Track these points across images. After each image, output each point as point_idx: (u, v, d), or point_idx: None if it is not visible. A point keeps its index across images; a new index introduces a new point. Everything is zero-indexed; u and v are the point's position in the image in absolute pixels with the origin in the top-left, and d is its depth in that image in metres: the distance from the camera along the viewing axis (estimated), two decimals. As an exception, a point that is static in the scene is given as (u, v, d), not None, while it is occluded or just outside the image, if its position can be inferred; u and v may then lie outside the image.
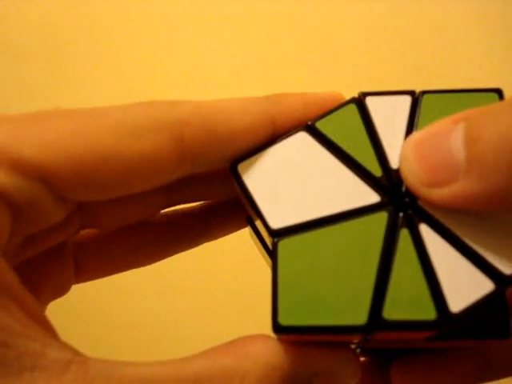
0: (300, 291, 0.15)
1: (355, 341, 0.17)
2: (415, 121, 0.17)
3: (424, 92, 0.17)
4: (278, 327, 0.15)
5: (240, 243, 0.22)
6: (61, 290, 0.20)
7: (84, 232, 0.21)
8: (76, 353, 0.14)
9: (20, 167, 0.14)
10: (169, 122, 0.16)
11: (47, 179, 0.15)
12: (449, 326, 0.15)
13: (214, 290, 0.45)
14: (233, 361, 0.15)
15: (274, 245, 0.16)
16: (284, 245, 0.16)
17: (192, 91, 0.50)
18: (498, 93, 0.17)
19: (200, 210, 0.23)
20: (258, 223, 0.18)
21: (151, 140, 0.16)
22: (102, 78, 0.52)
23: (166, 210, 0.22)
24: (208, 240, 0.23)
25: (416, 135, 0.15)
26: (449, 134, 0.14)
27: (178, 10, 0.53)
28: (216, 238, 0.23)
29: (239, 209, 0.22)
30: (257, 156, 0.17)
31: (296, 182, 0.17)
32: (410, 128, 0.17)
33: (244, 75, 0.51)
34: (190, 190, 0.21)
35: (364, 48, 0.50)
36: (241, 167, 0.17)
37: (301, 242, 0.16)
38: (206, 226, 0.22)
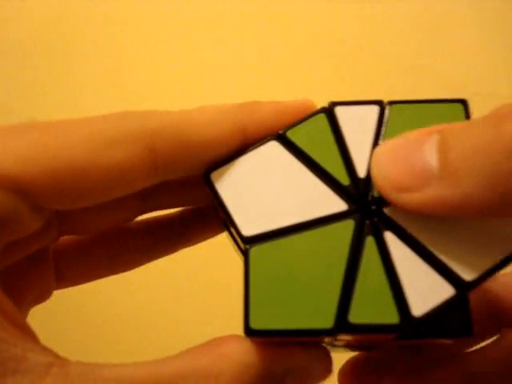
0: (270, 296, 0.16)
1: (325, 341, 0.17)
2: (382, 130, 0.18)
3: (391, 102, 0.18)
4: (249, 331, 0.16)
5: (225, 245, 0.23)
6: (42, 296, 0.21)
7: (64, 239, 0.21)
8: (56, 356, 0.15)
9: None
10: (140, 133, 0.17)
11: (24, 191, 0.15)
12: (411, 328, 0.15)
13: (202, 290, 0.46)
14: (207, 361, 0.16)
15: (246, 251, 0.16)
16: (255, 251, 0.16)
17: (189, 92, 0.50)
18: (463, 103, 0.18)
19: (177, 216, 0.23)
20: (232, 229, 0.18)
21: (123, 151, 0.16)
22: (103, 77, 0.52)
23: (144, 216, 0.22)
24: (186, 246, 0.23)
25: (389, 142, 0.16)
26: (422, 144, 0.15)
27: (178, 12, 0.54)
28: (194, 243, 0.24)
29: (215, 215, 0.22)
30: (229, 165, 0.18)
31: (267, 191, 0.17)
32: (377, 138, 0.18)
33: (241, 75, 0.51)
34: (167, 196, 0.22)
35: (362, 48, 0.50)
36: (214, 176, 0.17)
37: (271, 249, 0.16)
38: (183, 232, 0.23)
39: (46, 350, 0.15)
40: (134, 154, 0.16)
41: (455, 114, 0.18)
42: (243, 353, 0.17)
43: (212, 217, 0.23)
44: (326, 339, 0.17)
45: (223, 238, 0.23)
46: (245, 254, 0.16)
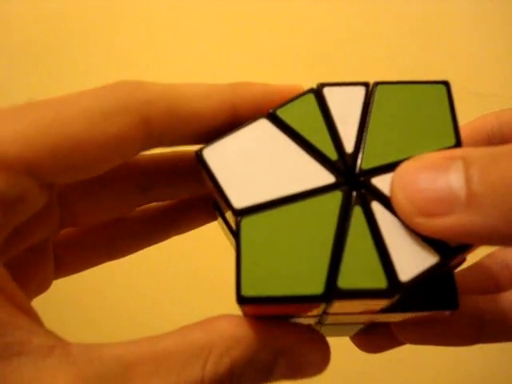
0: (262, 264, 0.16)
1: (315, 313, 0.18)
2: (369, 109, 0.18)
3: (377, 83, 0.19)
4: (241, 298, 0.16)
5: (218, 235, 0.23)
6: (42, 286, 0.21)
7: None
8: (59, 339, 0.16)
9: (7, 165, 0.16)
10: (135, 104, 0.17)
11: (32, 171, 0.16)
12: (398, 293, 0.16)
13: (198, 277, 0.46)
14: (200, 335, 0.17)
15: (238, 223, 0.17)
16: (247, 222, 0.17)
17: None
18: (446, 85, 0.19)
19: (169, 204, 0.24)
20: (223, 206, 0.19)
21: (119, 121, 0.17)
22: (103, 77, 0.53)
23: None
24: (177, 233, 0.24)
25: (411, 166, 0.16)
26: (447, 170, 0.15)
27: (179, 11, 0.55)
28: (187, 230, 0.24)
29: (206, 203, 0.23)
30: (220, 142, 0.18)
31: (258, 166, 0.18)
32: (364, 116, 0.18)
33: (241, 75, 0.52)
34: (164, 188, 0.22)
35: (361, 48, 0.51)
36: (206, 152, 0.18)
37: (262, 220, 0.17)
38: (177, 219, 0.24)
39: (49, 333, 0.16)
40: (129, 124, 0.17)
41: (438, 95, 0.19)
42: (234, 328, 0.17)
43: (205, 204, 0.23)
44: (315, 311, 0.18)
45: (216, 231, 0.24)
46: (236, 225, 0.17)
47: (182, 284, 0.48)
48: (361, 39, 0.52)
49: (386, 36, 0.51)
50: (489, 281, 0.23)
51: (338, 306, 0.17)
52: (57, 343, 0.15)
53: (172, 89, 0.18)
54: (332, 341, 0.19)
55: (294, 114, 0.18)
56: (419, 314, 0.19)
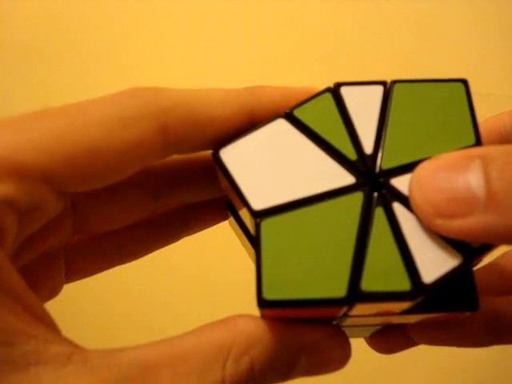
0: (283, 267, 0.16)
1: (336, 316, 0.18)
2: (387, 108, 0.18)
3: (395, 81, 0.18)
4: (262, 302, 0.16)
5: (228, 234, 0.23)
6: (54, 291, 0.21)
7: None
8: (76, 346, 0.15)
9: (24, 173, 0.15)
10: (153, 111, 0.17)
11: (49, 179, 0.16)
12: (422, 295, 0.16)
13: (207, 278, 0.46)
14: (219, 334, 0.16)
15: (257, 225, 0.17)
16: (267, 224, 0.17)
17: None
18: (464, 83, 0.18)
19: (179, 206, 0.23)
20: (240, 208, 0.18)
21: (137, 128, 0.17)
22: (104, 76, 0.53)
23: None
24: (188, 234, 0.24)
25: (429, 167, 0.16)
26: (466, 169, 0.15)
27: (180, 9, 0.54)
28: (196, 232, 0.24)
29: (217, 203, 0.23)
30: (238, 142, 0.18)
31: (276, 166, 0.17)
32: (383, 115, 0.18)
33: (240, 74, 0.52)
34: (177, 194, 0.22)
35: (361, 48, 0.51)
36: (223, 153, 0.18)
37: (282, 222, 0.17)
38: (187, 220, 0.23)
39: (66, 341, 0.16)
40: (147, 131, 0.17)
41: (456, 93, 0.18)
42: (254, 327, 0.17)
43: (215, 204, 0.23)
44: (337, 314, 0.17)
45: (224, 234, 0.24)
46: (256, 227, 0.17)
47: (190, 285, 0.48)
48: (362, 39, 0.51)
49: (387, 36, 0.51)
50: (503, 281, 0.23)
51: (360, 309, 0.17)
52: (74, 350, 0.15)
53: (189, 95, 0.18)
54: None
55: (311, 113, 0.18)
56: (439, 315, 0.18)
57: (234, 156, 0.18)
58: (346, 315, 0.18)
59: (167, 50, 0.54)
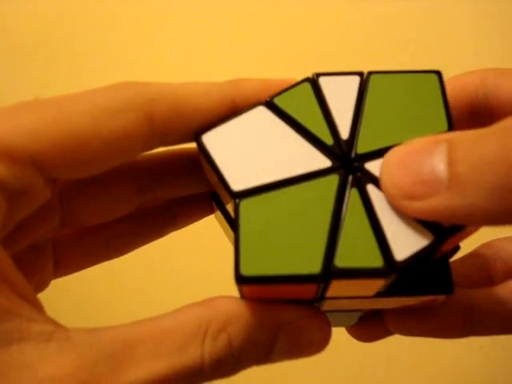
0: (260, 245, 0.17)
1: (314, 297, 0.18)
2: (363, 97, 0.19)
3: (371, 72, 0.19)
4: (239, 277, 0.16)
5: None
6: (41, 285, 0.22)
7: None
8: (58, 325, 0.16)
9: (14, 156, 0.16)
10: (139, 101, 0.18)
11: (37, 164, 0.16)
12: (394, 272, 0.16)
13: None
14: (198, 312, 0.17)
15: (236, 206, 0.17)
16: (245, 205, 0.17)
17: None
18: (438, 74, 0.19)
19: (166, 200, 0.24)
20: (222, 193, 0.19)
21: (124, 119, 0.17)
22: (103, 75, 0.53)
23: None
24: (175, 229, 0.24)
25: (399, 150, 0.17)
26: (431, 153, 0.16)
27: (180, 10, 0.55)
28: (183, 226, 0.24)
29: (203, 196, 0.23)
30: (219, 127, 0.18)
31: (255, 150, 0.18)
32: (359, 104, 0.19)
33: (239, 74, 0.52)
34: (161, 189, 0.23)
35: (361, 48, 0.51)
36: (204, 137, 0.18)
37: (260, 202, 0.17)
38: (172, 215, 0.24)
39: (49, 320, 0.16)
40: (133, 121, 0.17)
41: (430, 83, 0.19)
42: (232, 305, 0.17)
43: (201, 198, 0.23)
44: (312, 293, 0.18)
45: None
46: (235, 208, 0.17)
47: (179, 279, 0.48)
48: (361, 39, 0.52)
49: (387, 36, 0.52)
50: (481, 272, 0.24)
51: (335, 288, 0.17)
52: (56, 329, 0.16)
53: (174, 87, 0.18)
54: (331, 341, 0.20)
55: (290, 101, 0.19)
56: (415, 299, 0.19)
57: (215, 140, 0.18)
58: (323, 297, 0.18)
59: (167, 50, 0.55)
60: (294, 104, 0.19)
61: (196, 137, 0.18)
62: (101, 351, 0.16)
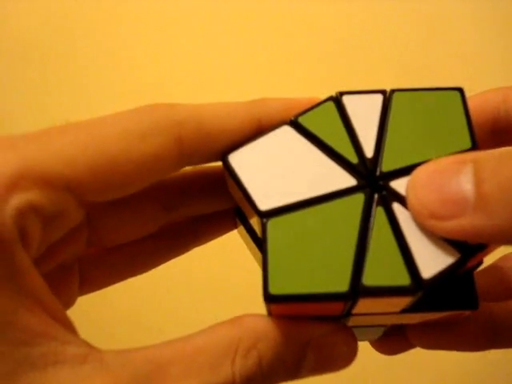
0: (288, 263, 0.17)
1: (340, 314, 0.18)
2: (387, 115, 0.19)
3: (393, 90, 0.20)
4: (268, 296, 0.16)
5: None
6: (68, 304, 0.22)
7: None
8: (91, 347, 0.16)
9: (49, 181, 0.16)
10: (169, 125, 0.18)
11: (71, 188, 0.17)
12: (421, 290, 0.16)
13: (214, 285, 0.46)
14: (228, 331, 0.17)
15: (263, 225, 0.17)
16: (273, 224, 0.17)
17: (190, 90, 0.52)
18: (460, 91, 0.19)
19: (188, 217, 0.24)
20: (249, 211, 0.19)
21: (154, 141, 0.18)
22: (103, 76, 0.53)
23: None
24: (197, 245, 0.25)
25: (424, 171, 0.17)
26: (458, 173, 0.16)
27: (181, 11, 0.55)
28: (204, 242, 0.25)
29: (225, 214, 0.24)
30: (245, 147, 0.19)
31: (281, 169, 0.18)
32: (383, 122, 0.19)
33: (240, 75, 0.52)
34: (186, 207, 0.23)
35: (361, 48, 0.51)
36: (231, 157, 0.19)
37: (288, 221, 0.17)
38: (195, 232, 0.24)
39: (83, 342, 0.16)
40: (163, 144, 0.18)
41: (453, 101, 0.19)
42: (261, 321, 0.18)
43: (223, 215, 0.24)
44: (339, 310, 0.18)
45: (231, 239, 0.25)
46: (262, 227, 0.18)
47: (196, 287, 0.48)
48: (362, 39, 0.52)
49: (387, 36, 0.52)
50: (501, 285, 0.24)
51: (362, 306, 0.17)
52: (90, 351, 0.16)
53: (201, 108, 0.19)
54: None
55: (314, 120, 0.19)
56: (439, 314, 0.19)
57: (241, 160, 0.19)
58: (349, 314, 0.18)
59: (167, 50, 0.55)
60: (318, 123, 0.19)
61: (222, 157, 0.19)
62: (134, 372, 0.16)
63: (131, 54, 0.55)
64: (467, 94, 0.20)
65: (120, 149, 0.17)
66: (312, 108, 0.19)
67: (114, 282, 0.23)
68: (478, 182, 0.15)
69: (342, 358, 0.19)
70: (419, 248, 0.17)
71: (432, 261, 0.17)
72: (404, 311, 0.18)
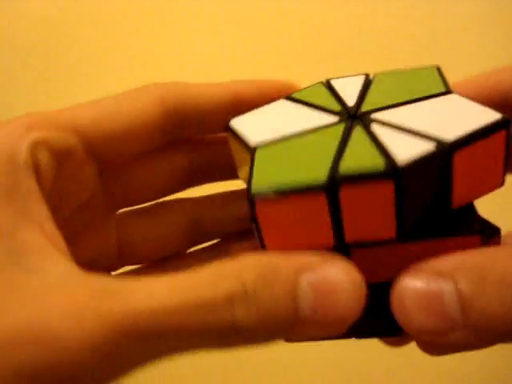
0: (271, 169, 0.18)
1: (331, 239, 0.18)
2: (369, 84, 0.22)
3: (376, 74, 0.22)
4: (251, 196, 0.17)
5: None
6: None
7: None
8: (81, 268, 0.17)
9: (60, 125, 0.20)
10: (152, 88, 0.22)
11: (79, 131, 0.20)
12: (397, 176, 0.17)
13: None
14: (228, 263, 0.17)
15: (252, 155, 0.19)
16: (260, 150, 0.19)
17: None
18: (437, 67, 0.22)
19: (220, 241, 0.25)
20: (243, 156, 0.20)
21: (139, 99, 0.21)
22: (102, 76, 0.55)
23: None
24: None
25: (408, 289, 0.17)
26: (441, 295, 0.17)
27: (177, 11, 0.56)
28: None
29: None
30: (245, 115, 0.22)
31: (273, 120, 0.21)
32: (365, 89, 0.22)
33: (240, 75, 0.53)
34: (211, 223, 0.25)
35: (362, 48, 0.52)
36: (233, 121, 0.21)
37: (274, 147, 0.19)
38: (224, 251, 0.25)
39: (73, 264, 0.17)
40: (146, 102, 0.21)
41: (430, 71, 0.22)
42: (257, 255, 0.17)
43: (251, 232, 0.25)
44: (326, 216, 0.18)
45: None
46: (251, 157, 0.19)
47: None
48: (362, 39, 0.52)
49: (387, 37, 0.52)
50: None
51: (348, 215, 0.17)
52: (78, 271, 0.17)
53: (186, 85, 0.22)
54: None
55: (306, 93, 0.22)
56: (445, 242, 0.19)
57: (240, 121, 0.21)
58: (344, 243, 0.18)
59: (167, 50, 0.56)
60: (309, 94, 0.22)
61: (227, 125, 0.21)
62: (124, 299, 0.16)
63: (131, 54, 0.56)
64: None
65: (114, 105, 0.21)
66: (304, 88, 0.22)
67: None
68: (463, 308, 0.17)
69: (343, 293, 0.17)
70: (395, 143, 0.18)
71: (407, 151, 0.17)
72: (405, 238, 0.18)
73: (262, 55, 0.54)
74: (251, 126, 0.21)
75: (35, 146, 0.18)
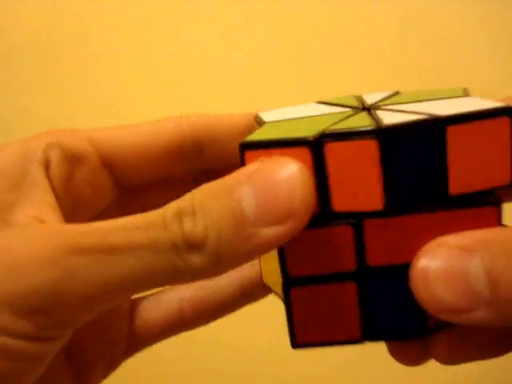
0: (268, 132, 0.19)
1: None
2: (395, 94, 0.22)
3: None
4: (242, 147, 0.18)
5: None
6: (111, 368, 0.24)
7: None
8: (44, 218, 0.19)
9: (76, 135, 0.22)
10: (172, 118, 0.24)
11: (95, 144, 0.22)
12: (383, 135, 0.17)
13: None
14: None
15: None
16: (268, 124, 0.20)
17: (190, 90, 0.53)
18: (464, 89, 0.22)
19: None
20: None
21: (160, 126, 0.23)
22: (101, 78, 0.55)
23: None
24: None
25: (431, 266, 0.17)
26: (467, 270, 0.16)
27: (176, 13, 0.56)
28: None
29: None
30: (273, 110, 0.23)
31: (293, 111, 0.22)
32: (389, 97, 0.22)
33: (240, 75, 0.52)
34: None
35: (363, 48, 0.50)
36: (259, 113, 0.22)
37: (282, 122, 0.20)
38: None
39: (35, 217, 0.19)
40: (166, 127, 0.23)
41: (455, 92, 0.21)
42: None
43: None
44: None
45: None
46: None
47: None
48: (362, 40, 0.51)
49: (387, 37, 0.50)
50: None
51: (334, 176, 0.18)
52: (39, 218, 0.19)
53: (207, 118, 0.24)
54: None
55: (334, 99, 0.23)
56: (463, 214, 0.18)
57: (265, 112, 0.22)
58: (332, 213, 0.18)
59: (167, 51, 0.55)
60: (337, 100, 0.23)
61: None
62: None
63: (131, 54, 0.56)
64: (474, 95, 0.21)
65: (131, 127, 0.23)
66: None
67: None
68: (490, 283, 0.16)
69: (284, 183, 0.17)
70: (390, 118, 0.18)
71: (397, 119, 0.17)
72: (404, 211, 0.18)
73: (262, 56, 0.54)
74: (272, 114, 0.22)
75: (49, 146, 0.21)
